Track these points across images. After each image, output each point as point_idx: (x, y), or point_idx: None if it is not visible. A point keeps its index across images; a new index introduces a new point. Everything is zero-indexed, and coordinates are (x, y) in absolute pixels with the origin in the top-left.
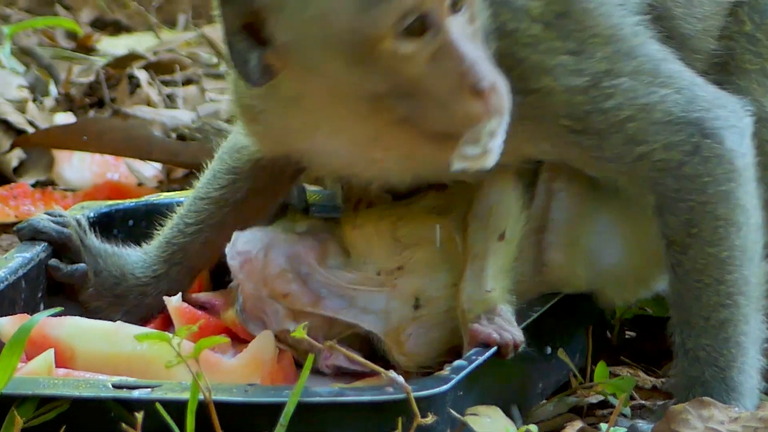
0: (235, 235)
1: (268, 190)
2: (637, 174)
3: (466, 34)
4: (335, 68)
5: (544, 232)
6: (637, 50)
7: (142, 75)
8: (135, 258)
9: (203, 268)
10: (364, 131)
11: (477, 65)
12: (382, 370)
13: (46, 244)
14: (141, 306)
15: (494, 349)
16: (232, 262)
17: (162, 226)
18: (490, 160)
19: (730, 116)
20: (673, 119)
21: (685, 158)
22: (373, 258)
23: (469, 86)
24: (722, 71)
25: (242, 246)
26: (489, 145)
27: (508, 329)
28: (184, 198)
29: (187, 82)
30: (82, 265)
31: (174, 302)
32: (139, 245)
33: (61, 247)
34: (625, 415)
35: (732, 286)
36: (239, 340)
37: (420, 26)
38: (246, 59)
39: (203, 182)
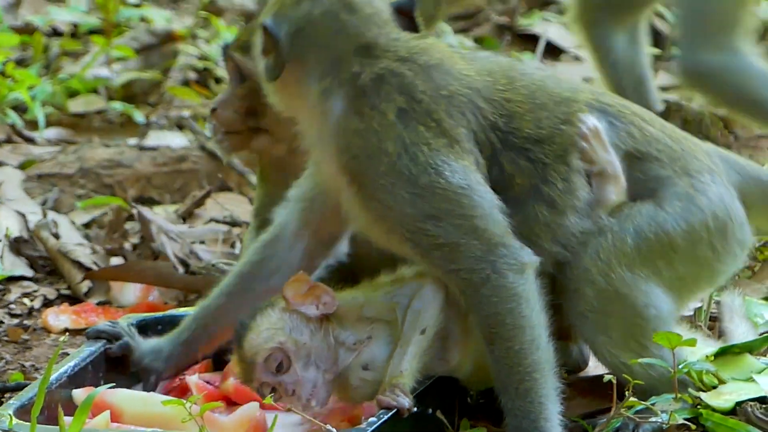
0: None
1: None
2: (452, 281)
3: None
4: None
5: (448, 339)
6: (463, 206)
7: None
8: (151, 345)
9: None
10: None
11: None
12: (320, 423)
13: (105, 341)
14: (158, 373)
15: (395, 411)
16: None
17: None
18: None
19: (511, 258)
20: (474, 257)
21: (480, 284)
22: (350, 329)
23: None
24: None
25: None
26: None
27: (404, 399)
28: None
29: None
30: (124, 340)
31: (192, 379)
32: None
33: (114, 338)
34: None
35: (528, 367)
36: (232, 403)
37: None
38: None
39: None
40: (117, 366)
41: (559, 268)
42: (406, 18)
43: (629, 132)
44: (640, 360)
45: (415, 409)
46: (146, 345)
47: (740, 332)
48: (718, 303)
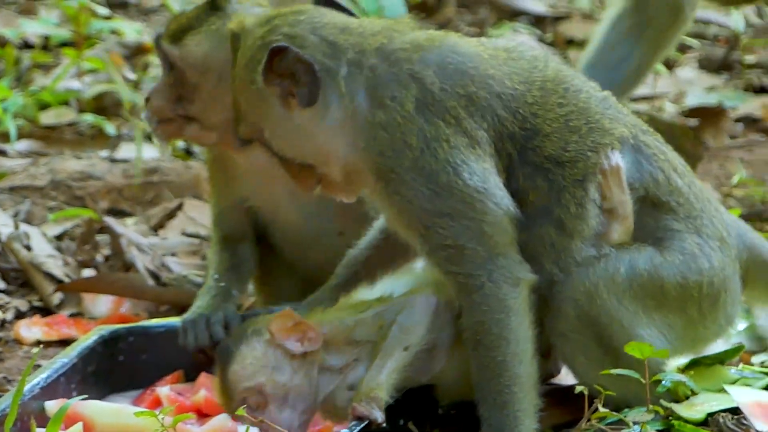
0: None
1: None
2: (450, 282)
3: None
4: None
5: (435, 349)
6: (476, 210)
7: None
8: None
9: None
10: None
11: None
12: None
13: (78, 352)
14: None
15: (367, 422)
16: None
17: (150, 341)
18: None
19: (507, 271)
20: (474, 263)
21: (473, 289)
22: (337, 354)
23: None
24: None
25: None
26: None
27: (378, 412)
28: (168, 323)
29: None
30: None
31: (163, 390)
32: (138, 356)
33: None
34: None
35: (508, 380)
36: (204, 415)
37: None
38: None
39: None
40: (90, 377)
41: (548, 286)
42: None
43: (655, 176)
44: (612, 371)
45: (384, 425)
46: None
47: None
48: None
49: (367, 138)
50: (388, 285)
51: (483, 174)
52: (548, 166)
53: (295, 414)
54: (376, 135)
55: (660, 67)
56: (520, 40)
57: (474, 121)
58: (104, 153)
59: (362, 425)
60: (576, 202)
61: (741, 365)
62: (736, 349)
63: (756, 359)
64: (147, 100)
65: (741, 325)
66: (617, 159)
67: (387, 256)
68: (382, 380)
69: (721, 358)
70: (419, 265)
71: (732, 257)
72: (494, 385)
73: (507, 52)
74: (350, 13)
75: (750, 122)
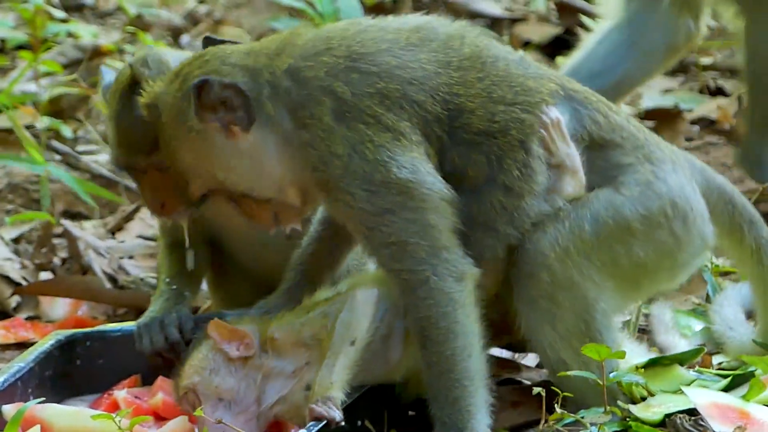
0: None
1: None
2: (393, 281)
3: None
4: None
5: (390, 339)
6: (414, 198)
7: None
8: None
9: None
10: None
11: None
12: None
13: (35, 356)
14: None
15: (324, 422)
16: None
17: (107, 345)
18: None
19: (452, 265)
20: (417, 259)
21: (418, 285)
22: (288, 358)
23: None
24: None
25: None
26: None
27: (335, 411)
28: (125, 327)
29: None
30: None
31: (120, 394)
32: (95, 360)
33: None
34: None
35: (458, 374)
36: (161, 418)
37: None
38: None
39: None
40: (47, 381)
41: (512, 253)
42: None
43: (594, 118)
44: (569, 373)
45: (343, 424)
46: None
47: (675, 344)
48: (647, 316)
49: (300, 157)
50: (341, 284)
51: (411, 164)
52: (480, 140)
53: (229, 414)
54: (306, 153)
55: None
56: (428, 18)
57: (393, 114)
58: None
59: (320, 425)
60: (518, 165)
61: (698, 367)
62: (696, 351)
63: (715, 360)
64: (157, 209)
65: (698, 326)
66: (555, 113)
67: (331, 246)
68: (334, 378)
69: (680, 359)
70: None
71: (687, 176)
72: (444, 381)
73: (418, 32)
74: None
75: (706, 124)
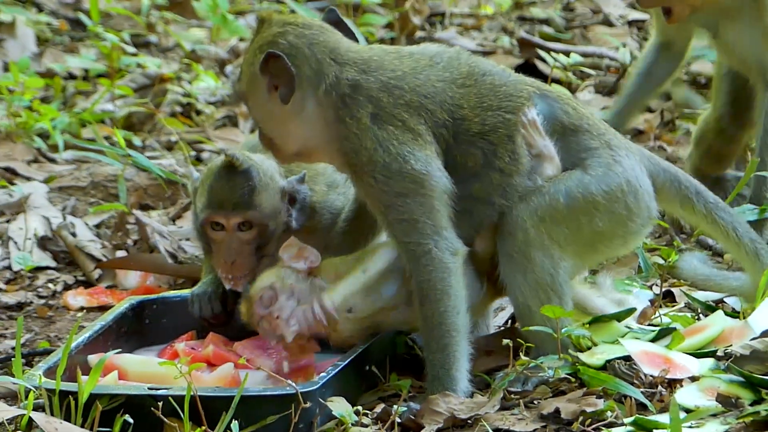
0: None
1: None
2: (403, 250)
3: None
4: None
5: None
6: (424, 186)
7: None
8: None
9: None
10: None
11: None
12: (285, 380)
13: (113, 316)
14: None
15: (341, 367)
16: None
17: (169, 308)
18: None
19: (449, 242)
20: (423, 235)
21: (422, 254)
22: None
23: None
24: None
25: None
26: None
27: (325, 303)
28: (183, 294)
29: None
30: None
31: (180, 346)
32: (160, 319)
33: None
34: (405, 400)
35: (448, 326)
36: (211, 365)
37: None
38: None
39: None
40: (122, 337)
41: (500, 217)
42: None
43: (565, 110)
44: (531, 328)
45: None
46: None
47: (607, 306)
48: (593, 283)
49: (332, 140)
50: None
51: (425, 159)
52: (476, 140)
53: (296, 302)
54: (341, 142)
55: (562, 89)
56: (436, 47)
57: (414, 119)
58: None
59: (337, 370)
60: (509, 153)
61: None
62: (629, 311)
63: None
64: (227, 265)
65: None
66: (532, 114)
67: (361, 223)
68: (339, 288)
69: (617, 317)
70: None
71: (638, 161)
72: (437, 331)
73: (430, 57)
74: (351, 34)
75: (636, 134)
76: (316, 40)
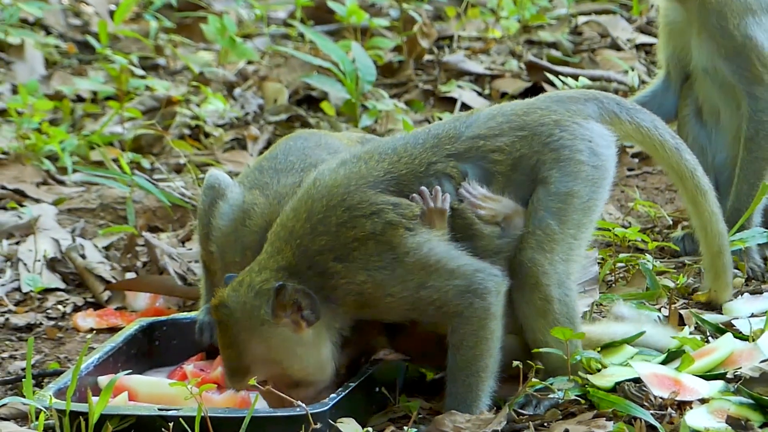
0: None
1: None
2: (445, 319)
3: None
4: None
5: None
6: (436, 268)
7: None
8: None
9: None
10: None
11: None
12: (293, 400)
13: (123, 338)
14: None
15: (350, 389)
16: None
17: (179, 329)
18: None
19: (490, 283)
20: (459, 293)
21: (464, 308)
22: None
23: None
24: None
25: None
26: None
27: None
28: (192, 315)
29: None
30: None
31: (189, 367)
32: (170, 340)
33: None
34: (416, 422)
35: (479, 368)
36: (222, 386)
37: None
38: None
39: None
40: (132, 358)
41: (513, 270)
42: None
43: (491, 159)
44: (542, 350)
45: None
46: None
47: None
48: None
49: (339, 321)
50: None
51: (419, 244)
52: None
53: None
54: (344, 309)
55: None
56: (372, 139)
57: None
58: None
59: (346, 392)
60: (475, 231)
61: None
62: (639, 335)
63: None
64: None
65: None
66: (477, 190)
67: None
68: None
69: (628, 341)
70: None
71: (578, 123)
72: (466, 370)
73: (366, 157)
74: None
75: (644, 158)
76: (267, 266)
